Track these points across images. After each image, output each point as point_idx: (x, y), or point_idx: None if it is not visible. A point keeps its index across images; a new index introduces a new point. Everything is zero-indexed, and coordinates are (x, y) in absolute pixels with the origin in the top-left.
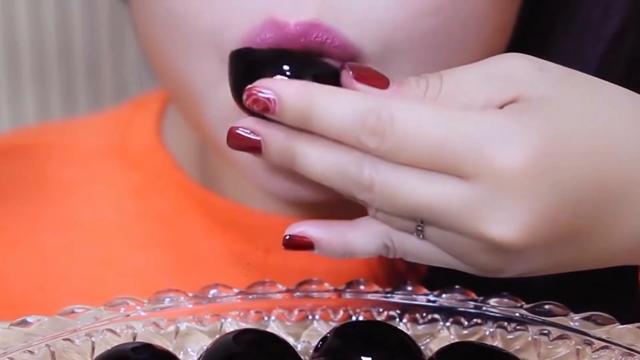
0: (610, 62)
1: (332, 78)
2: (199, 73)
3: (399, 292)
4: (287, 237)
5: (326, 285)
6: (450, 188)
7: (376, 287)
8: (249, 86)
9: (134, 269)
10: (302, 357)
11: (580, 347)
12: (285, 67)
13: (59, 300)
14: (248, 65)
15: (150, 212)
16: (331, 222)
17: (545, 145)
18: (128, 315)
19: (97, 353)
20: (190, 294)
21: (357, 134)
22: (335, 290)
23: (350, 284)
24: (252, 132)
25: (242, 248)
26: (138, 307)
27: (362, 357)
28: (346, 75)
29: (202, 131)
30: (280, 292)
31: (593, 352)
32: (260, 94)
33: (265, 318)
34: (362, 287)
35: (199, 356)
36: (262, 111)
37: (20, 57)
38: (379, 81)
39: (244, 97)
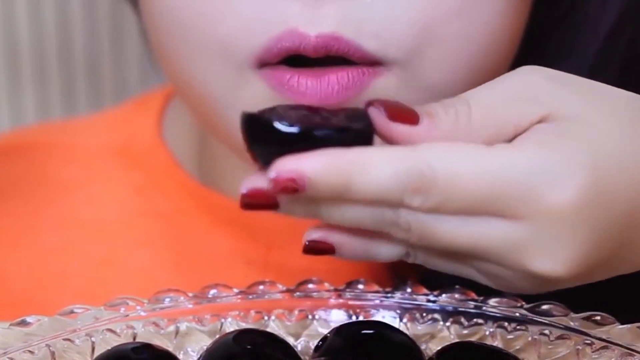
0: (607, 59)
1: (357, 138)
2: (214, 80)
3: (399, 292)
4: (307, 242)
5: (326, 285)
6: (493, 228)
7: (376, 287)
8: (272, 174)
9: (136, 267)
10: (302, 357)
11: (580, 347)
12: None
13: (61, 299)
14: (263, 134)
15: (152, 211)
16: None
17: (592, 178)
18: (128, 315)
19: (97, 353)
20: (190, 294)
21: (399, 196)
22: (335, 290)
23: (350, 284)
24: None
25: (243, 245)
26: (138, 307)
27: (362, 357)
28: (378, 115)
29: (221, 135)
30: (280, 292)
31: (593, 352)
32: (286, 180)
33: (265, 318)
34: (362, 287)
35: (199, 356)
36: (293, 193)
37: (20, 57)
38: (411, 118)
39: (271, 185)
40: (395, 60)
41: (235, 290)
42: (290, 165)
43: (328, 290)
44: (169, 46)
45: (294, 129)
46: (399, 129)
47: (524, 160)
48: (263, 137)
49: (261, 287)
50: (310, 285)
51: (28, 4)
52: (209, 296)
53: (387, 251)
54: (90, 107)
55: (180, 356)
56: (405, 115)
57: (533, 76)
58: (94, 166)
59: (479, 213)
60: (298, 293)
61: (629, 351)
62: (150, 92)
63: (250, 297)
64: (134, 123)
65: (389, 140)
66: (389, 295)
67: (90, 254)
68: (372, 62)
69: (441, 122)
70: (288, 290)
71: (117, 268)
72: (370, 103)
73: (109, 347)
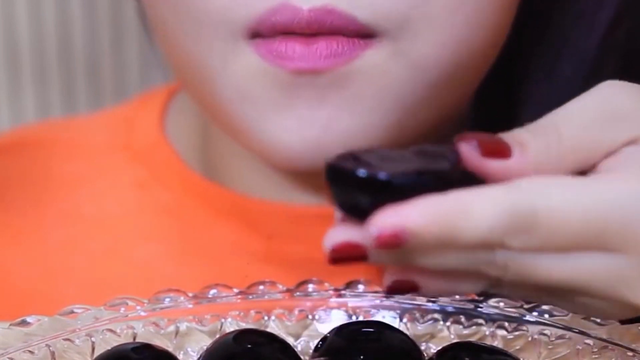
0: (605, 53)
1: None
2: (208, 51)
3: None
4: (391, 283)
5: (326, 285)
6: (595, 263)
7: (376, 287)
8: (374, 231)
9: (140, 261)
10: (302, 357)
11: (580, 347)
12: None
13: (64, 294)
14: (347, 184)
15: (155, 205)
16: None
17: None
18: (128, 315)
19: (97, 353)
20: (190, 294)
21: (500, 238)
22: (336, 290)
23: (350, 284)
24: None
25: (245, 236)
26: (138, 307)
27: (362, 357)
28: (472, 153)
29: (216, 112)
30: (280, 292)
31: (593, 352)
32: (390, 236)
33: (265, 318)
34: (362, 287)
35: (198, 356)
36: (394, 248)
37: (20, 57)
38: (503, 152)
39: (374, 243)
40: (387, 31)
41: (235, 290)
42: (391, 220)
43: (328, 290)
44: (165, 19)
45: (383, 177)
46: (492, 165)
47: (625, 193)
48: (348, 187)
49: (261, 287)
50: (310, 285)
51: (28, 4)
52: (209, 296)
53: (472, 286)
54: (90, 107)
55: (180, 356)
56: (498, 149)
57: (616, 93)
58: (97, 162)
59: (581, 248)
60: (298, 293)
61: (629, 351)
62: (152, 90)
63: (250, 297)
64: (136, 119)
65: (482, 176)
66: (389, 295)
67: (94, 249)
68: (364, 34)
69: (532, 153)
70: (288, 290)
71: (121, 262)
72: (461, 138)
73: (109, 347)
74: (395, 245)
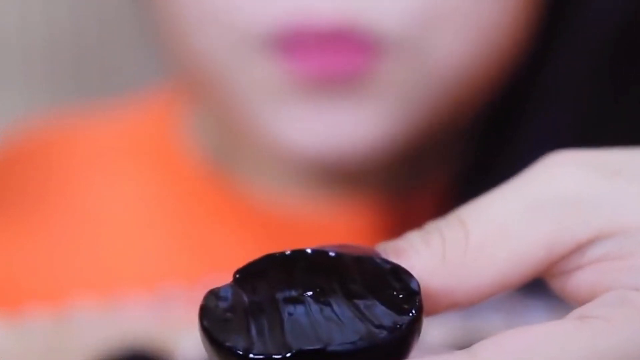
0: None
1: None
2: (224, 59)
3: None
4: None
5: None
6: None
7: None
8: None
9: (143, 260)
10: None
11: None
12: None
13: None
14: None
15: (160, 205)
16: None
17: None
18: (127, 315)
19: (97, 353)
20: (190, 294)
21: None
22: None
23: None
24: None
25: (248, 238)
26: (138, 307)
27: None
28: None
29: (227, 110)
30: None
31: None
32: None
33: None
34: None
35: (198, 356)
36: None
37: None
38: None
39: None
40: (403, 42)
41: None
42: None
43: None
44: (177, 24)
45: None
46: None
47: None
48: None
49: None
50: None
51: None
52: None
53: None
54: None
55: (179, 355)
56: (399, 252)
57: (563, 170)
58: (103, 161)
59: None
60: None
61: None
62: (156, 90)
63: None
64: (143, 117)
65: None
66: None
67: (98, 249)
68: (381, 44)
69: (418, 257)
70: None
71: (124, 261)
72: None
73: (109, 347)
74: None
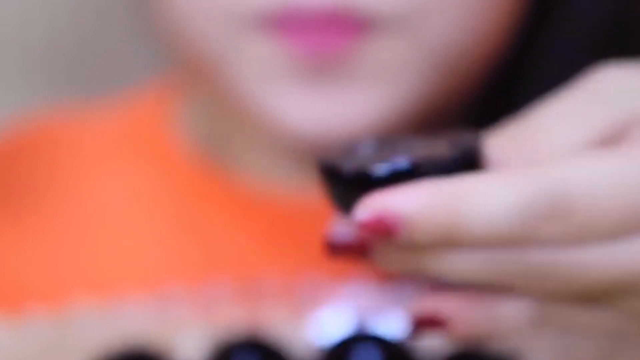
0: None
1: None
2: (219, 42)
3: (399, 293)
4: (413, 317)
5: (326, 284)
6: None
7: (376, 287)
8: (358, 216)
9: (143, 254)
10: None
11: None
12: (400, 162)
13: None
14: (346, 183)
15: (160, 197)
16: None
17: None
18: (128, 315)
19: (97, 353)
20: (190, 294)
21: (524, 230)
22: (335, 289)
23: (350, 284)
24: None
25: (249, 225)
26: (138, 307)
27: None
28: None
29: (225, 99)
30: (280, 292)
31: None
32: (376, 220)
33: (265, 318)
34: (361, 287)
35: (198, 356)
36: (385, 237)
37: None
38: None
39: (355, 230)
40: (401, 19)
41: (235, 290)
42: (379, 203)
43: (328, 290)
44: (174, 17)
45: (373, 173)
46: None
47: None
48: (339, 186)
49: (261, 286)
50: (310, 285)
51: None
52: (209, 296)
53: (513, 313)
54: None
55: (179, 355)
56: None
57: (615, 74)
58: (101, 159)
59: (631, 230)
60: (298, 293)
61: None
62: (154, 84)
63: (250, 296)
64: (136, 111)
65: None
66: (389, 295)
67: (100, 242)
68: (379, 22)
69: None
70: (288, 291)
71: (124, 255)
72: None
73: (109, 347)
74: (384, 232)
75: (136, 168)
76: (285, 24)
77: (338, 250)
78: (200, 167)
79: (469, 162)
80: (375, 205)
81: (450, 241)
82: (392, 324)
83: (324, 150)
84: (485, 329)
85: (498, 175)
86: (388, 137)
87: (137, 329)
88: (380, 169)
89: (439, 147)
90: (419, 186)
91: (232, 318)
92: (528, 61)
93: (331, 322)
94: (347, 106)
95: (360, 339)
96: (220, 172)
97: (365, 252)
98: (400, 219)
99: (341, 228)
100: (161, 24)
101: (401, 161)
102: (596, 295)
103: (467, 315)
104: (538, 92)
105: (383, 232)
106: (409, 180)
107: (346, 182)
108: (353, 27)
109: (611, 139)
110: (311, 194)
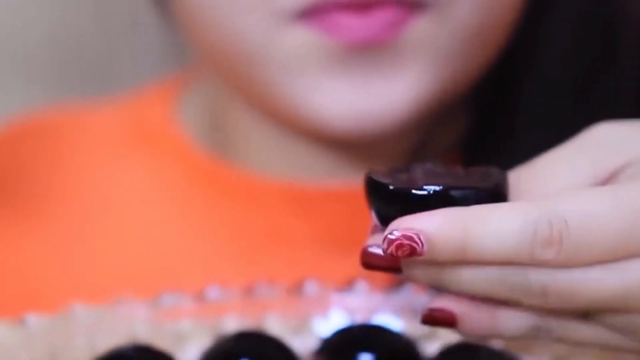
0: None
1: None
2: (252, 33)
3: (399, 292)
4: (426, 311)
5: (326, 284)
6: None
7: (376, 287)
8: (387, 234)
9: (148, 246)
10: (301, 358)
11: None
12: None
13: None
14: (389, 198)
15: (164, 190)
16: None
17: None
18: (128, 315)
19: (97, 353)
20: (190, 294)
21: (527, 251)
22: (335, 289)
23: (350, 284)
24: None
25: (252, 218)
26: (138, 307)
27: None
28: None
29: (255, 88)
30: (280, 292)
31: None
32: (401, 238)
33: (265, 318)
34: (362, 287)
35: (199, 356)
36: (409, 256)
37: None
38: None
39: (385, 245)
40: (433, 1)
41: (235, 290)
42: (405, 224)
43: (328, 290)
44: (213, 12)
45: (414, 192)
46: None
47: None
48: (383, 200)
49: (261, 286)
50: (310, 285)
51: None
52: (209, 296)
53: (516, 323)
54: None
55: (180, 356)
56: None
57: (603, 130)
58: (106, 148)
59: (622, 256)
60: (298, 293)
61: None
62: (159, 81)
63: (250, 297)
64: (146, 106)
65: None
66: (389, 295)
67: (104, 235)
68: (412, 4)
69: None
70: (288, 290)
71: (132, 248)
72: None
73: (109, 348)
74: (409, 250)
75: (141, 157)
76: (325, 13)
77: (370, 262)
78: (206, 156)
79: (496, 193)
80: (402, 225)
81: (465, 259)
82: (392, 324)
83: (361, 137)
84: (489, 330)
85: (509, 204)
86: (433, 167)
87: (137, 330)
88: (419, 191)
89: (473, 179)
90: (440, 211)
91: (235, 321)
92: (522, 52)
93: (331, 324)
94: (388, 94)
95: (360, 339)
96: (225, 161)
97: (396, 268)
98: (421, 238)
99: (375, 248)
100: (191, 26)
101: (438, 187)
102: (590, 312)
103: (474, 315)
104: (529, 84)
105: (407, 249)
106: (443, 205)
107: (388, 198)
108: (395, 6)
109: (606, 179)
110: (317, 178)
